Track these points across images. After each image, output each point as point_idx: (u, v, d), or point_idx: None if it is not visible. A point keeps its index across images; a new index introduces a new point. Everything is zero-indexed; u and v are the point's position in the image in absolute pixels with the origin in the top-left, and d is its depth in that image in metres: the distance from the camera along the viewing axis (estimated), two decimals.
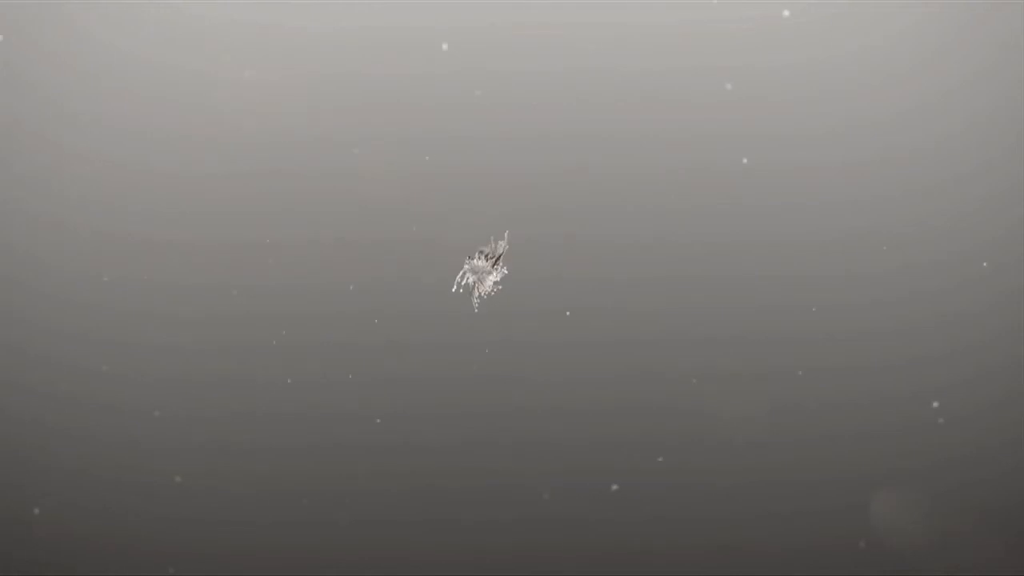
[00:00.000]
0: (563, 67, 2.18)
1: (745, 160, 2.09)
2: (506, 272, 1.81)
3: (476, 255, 1.78)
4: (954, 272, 2.00)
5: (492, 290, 1.79)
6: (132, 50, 2.22)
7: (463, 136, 2.12)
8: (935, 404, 1.88)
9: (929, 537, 1.80)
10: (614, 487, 1.86)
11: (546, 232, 1.95)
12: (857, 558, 1.81)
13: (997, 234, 2.01)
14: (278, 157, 2.11)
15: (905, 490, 1.83)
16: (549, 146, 2.07)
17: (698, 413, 1.89)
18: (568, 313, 1.87)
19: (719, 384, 1.91)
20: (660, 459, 1.86)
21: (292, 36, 2.22)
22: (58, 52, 2.20)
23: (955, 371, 1.92)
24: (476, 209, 1.91)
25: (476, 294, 1.78)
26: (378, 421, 1.87)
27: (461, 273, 1.75)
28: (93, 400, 1.90)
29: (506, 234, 1.83)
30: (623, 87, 2.19)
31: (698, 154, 2.13)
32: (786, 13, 2.03)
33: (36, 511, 1.83)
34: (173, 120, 2.14)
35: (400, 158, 2.06)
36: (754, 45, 2.19)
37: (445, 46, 2.13)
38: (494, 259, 1.80)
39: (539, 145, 2.06)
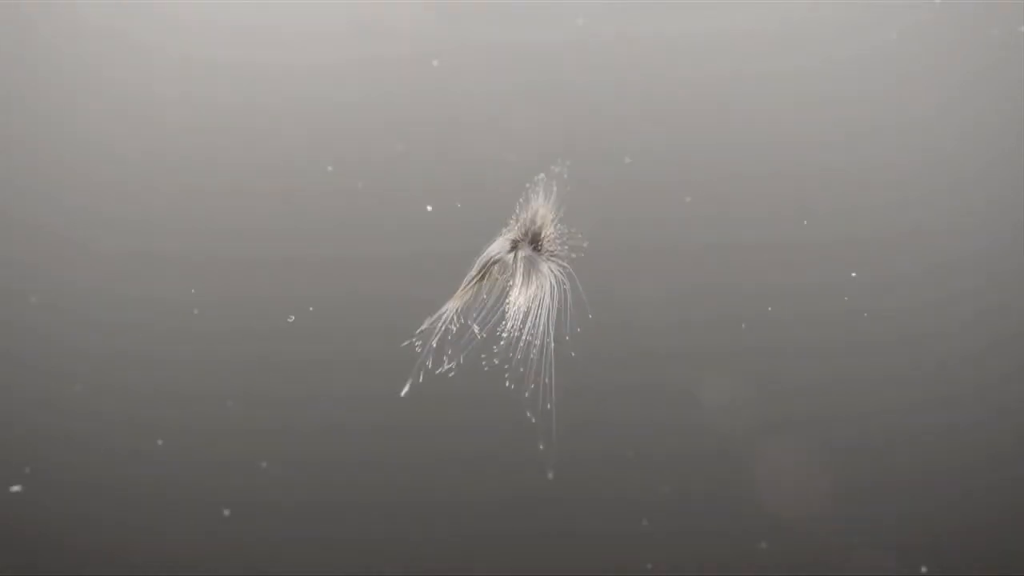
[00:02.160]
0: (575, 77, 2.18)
1: (751, 163, 2.09)
2: (558, 241, 1.69)
3: (509, 244, 1.68)
4: (956, 275, 2.00)
5: (550, 274, 1.65)
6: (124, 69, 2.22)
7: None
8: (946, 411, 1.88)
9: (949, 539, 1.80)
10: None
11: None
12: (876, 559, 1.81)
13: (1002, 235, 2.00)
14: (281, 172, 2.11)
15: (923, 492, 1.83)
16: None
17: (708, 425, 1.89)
18: (590, 317, 1.84)
19: (729, 392, 1.90)
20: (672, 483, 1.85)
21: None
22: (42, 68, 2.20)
23: (966, 376, 1.92)
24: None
25: (537, 291, 1.64)
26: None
27: (505, 276, 1.64)
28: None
29: (536, 201, 1.75)
30: (625, 96, 2.19)
31: (701, 158, 2.13)
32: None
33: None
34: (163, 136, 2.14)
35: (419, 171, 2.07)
36: (763, 50, 2.19)
37: (435, 62, 2.14)
38: (533, 235, 1.68)
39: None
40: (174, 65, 2.20)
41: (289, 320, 1.89)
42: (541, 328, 1.69)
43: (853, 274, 1.97)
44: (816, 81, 2.17)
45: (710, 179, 2.09)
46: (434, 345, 1.70)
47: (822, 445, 1.86)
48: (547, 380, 1.69)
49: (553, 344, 1.70)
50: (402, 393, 1.71)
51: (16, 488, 1.79)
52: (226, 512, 1.81)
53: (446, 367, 1.72)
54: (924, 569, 1.78)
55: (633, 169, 2.08)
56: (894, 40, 2.18)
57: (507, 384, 1.70)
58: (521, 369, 1.73)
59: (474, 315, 1.73)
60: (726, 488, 1.83)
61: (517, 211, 1.75)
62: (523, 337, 1.69)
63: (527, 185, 1.80)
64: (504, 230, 1.76)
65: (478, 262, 1.73)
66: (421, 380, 1.72)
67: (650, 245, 2.01)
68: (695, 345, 1.93)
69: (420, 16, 2.25)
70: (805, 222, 2.01)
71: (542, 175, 1.79)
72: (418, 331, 1.72)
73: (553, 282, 1.69)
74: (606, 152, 2.09)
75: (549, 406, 1.70)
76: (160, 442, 1.84)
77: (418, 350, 1.73)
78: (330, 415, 1.88)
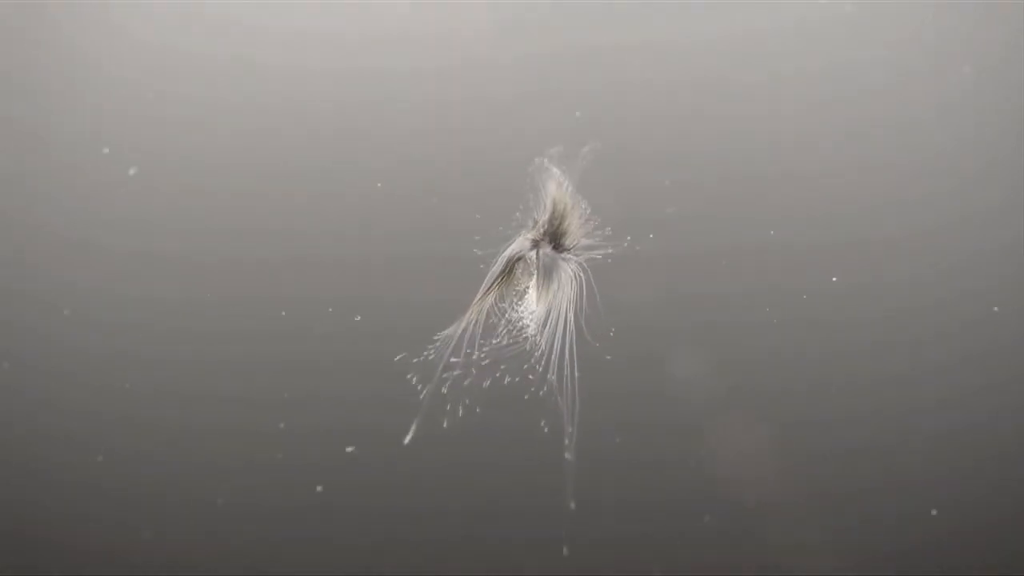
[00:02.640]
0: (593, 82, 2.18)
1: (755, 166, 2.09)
2: (584, 235, 1.65)
3: (529, 246, 1.64)
4: (956, 276, 2.00)
5: (574, 274, 1.61)
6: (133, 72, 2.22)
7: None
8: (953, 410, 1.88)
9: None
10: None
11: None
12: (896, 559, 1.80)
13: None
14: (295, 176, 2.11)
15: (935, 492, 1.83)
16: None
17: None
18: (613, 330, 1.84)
19: (728, 393, 1.90)
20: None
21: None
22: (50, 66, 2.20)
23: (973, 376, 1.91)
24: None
25: (557, 296, 1.60)
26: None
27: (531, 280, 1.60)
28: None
29: (554, 185, 1.72)
30: (625, 101, 2.18)
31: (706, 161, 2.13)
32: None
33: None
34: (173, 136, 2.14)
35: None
36: (764, 52, 2.19)
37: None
38: (552, 230, 1.63)
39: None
40: (175, 65, 2.20)
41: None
42: (564, 332, 1.68)
43: (833, 279, 1.97)
44: (816, 81, 2.17)
45: (709, 180, 2.09)
46: (444, 392, 1.71)
47: (823, 446, 1.86)
48: (570, 384, 1.69)
49: (575, 351, 1.70)
50: (405, 440, 1.71)
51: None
52: (220, 503, 1.81)
53: (453, 370, 1.71)
54: (934, 512, 1.78)
55: (638, 171, 2.08)
56: (894, 40, 2.18)
57: (523, 392, 1.70)
58: (537, 374, 1.73)
59: (497, 318, 1.72)
60: (725, 488, 1.83)
61: (537, 212, 1.75)
62: (547, 343, 1.69)
63: (542, 182, 1.80)
64: (523, 231, 1.75)
65: (500, 260, 1.72)
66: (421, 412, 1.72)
67: (654, 246, 2.01)
68: (695, 346, 1.93)
69: (422, 18, 2.25)
70: (772, 232, 2.01)
71: (558, 157, 1.79)
72: (414, 377, 1.73)
73: (574, 282, 1.67)
74: (612, 154, 2.09)
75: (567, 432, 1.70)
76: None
77: (417, 385, 1.73)
78: (330, 415, 1.88)
